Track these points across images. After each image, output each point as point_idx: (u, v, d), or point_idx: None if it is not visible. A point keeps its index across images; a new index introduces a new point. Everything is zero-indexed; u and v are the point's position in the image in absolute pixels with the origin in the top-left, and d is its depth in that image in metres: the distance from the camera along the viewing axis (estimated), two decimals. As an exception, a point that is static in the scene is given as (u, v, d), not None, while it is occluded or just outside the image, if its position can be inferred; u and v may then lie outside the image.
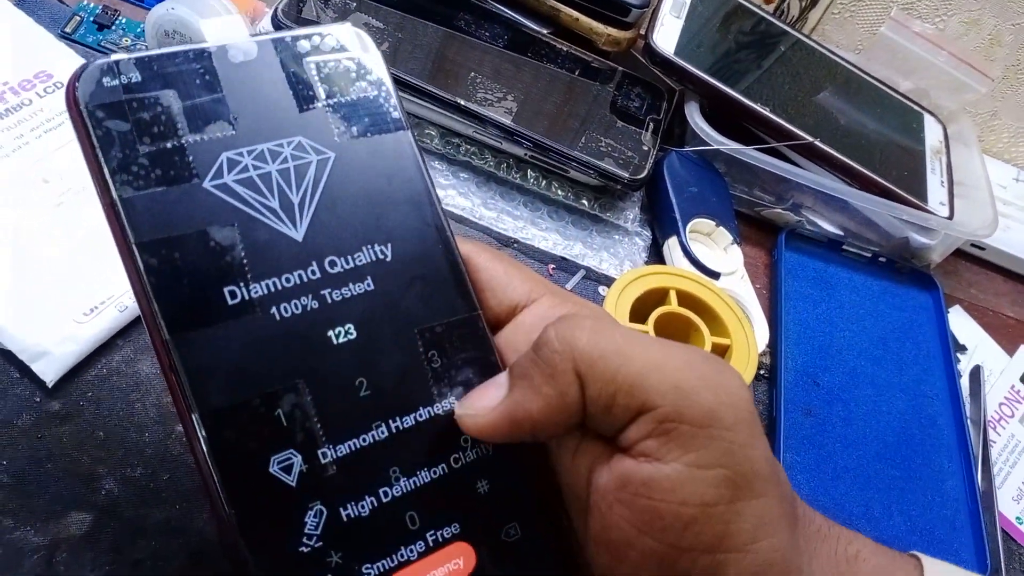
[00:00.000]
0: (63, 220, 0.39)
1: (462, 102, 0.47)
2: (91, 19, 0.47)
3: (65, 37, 0.46)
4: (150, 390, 0.37)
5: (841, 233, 0.57)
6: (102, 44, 0.47)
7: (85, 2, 0.48)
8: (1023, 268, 0.63)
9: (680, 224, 0.49)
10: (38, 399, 0.35)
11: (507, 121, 0.48)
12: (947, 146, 0.61)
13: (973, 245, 0.62)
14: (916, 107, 0.63)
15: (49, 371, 0.35)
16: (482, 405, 0.25)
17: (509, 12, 0.54)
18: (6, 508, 0.32)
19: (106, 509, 0.33)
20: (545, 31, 0.55)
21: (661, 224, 0.52)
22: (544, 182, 0.51)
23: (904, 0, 0.65)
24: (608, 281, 0.49)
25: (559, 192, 0.51)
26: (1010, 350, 0.57)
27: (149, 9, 0.49)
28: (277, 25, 0.46)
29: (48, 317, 0.36)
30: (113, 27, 0.48)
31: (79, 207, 0.39)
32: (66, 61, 0.44)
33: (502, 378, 0.26)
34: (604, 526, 0.24)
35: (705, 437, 0.22)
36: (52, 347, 0.35)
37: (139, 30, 0.48)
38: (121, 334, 0.38)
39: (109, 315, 0.37)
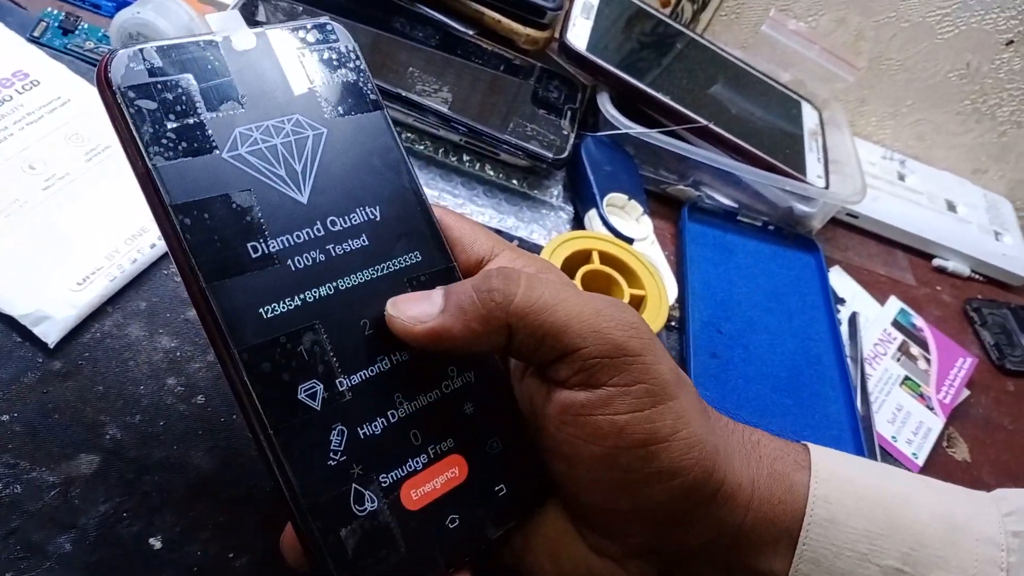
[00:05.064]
0: (51, 201, 0.42)
1: (403, 93, 0.53)
2: (56, 24, 0.51)
3: (34, 41, 0.49)
4: (140, 350, 0.41)
5: (735, 205, 0.65)
6: (68, 47, 0.50)
7: (49, 9, 0.52)
8: (891, 233, 0.72)
9: (598, 198, 0.56)
10: (40, 360, 0.38)
11: (444, 109, 0.54)
12: (823, 129, 0.70)
13: (848, 215, 0.71)
14: (795, 96, 0.72)
15: (51, 333, 0.38)
16: (412, 315, 0.28)
17: (438, 15, 0.60)
18: (22, 453, 0.35)
19: (112, 451, 0.37)
20: (471, 32, 0.61)
21: (581, 199, 0.58)
22: (478, 165, 0.57)
23: (782, 2, 0.74)
24: (538, 249, 0.55)
25: (492, 173, 0.57)
26: (882, 301, 0.66)
27: (108, 16, 0.54)
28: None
29: (46, 286, 0.39)
30: (76, 32, 0.51)
31: (64, 190, 0.43)
32: (40, 62, 0.47)
33: (437, 296, 0.29)
34: (556, 442, 0.29)
35: (623, 364, 0.28)
36: (52, 312, 0.38)
37: (100, 35, 0.52)
38: (111, 301, 0.41)
39: (100, 284, 0.40)
